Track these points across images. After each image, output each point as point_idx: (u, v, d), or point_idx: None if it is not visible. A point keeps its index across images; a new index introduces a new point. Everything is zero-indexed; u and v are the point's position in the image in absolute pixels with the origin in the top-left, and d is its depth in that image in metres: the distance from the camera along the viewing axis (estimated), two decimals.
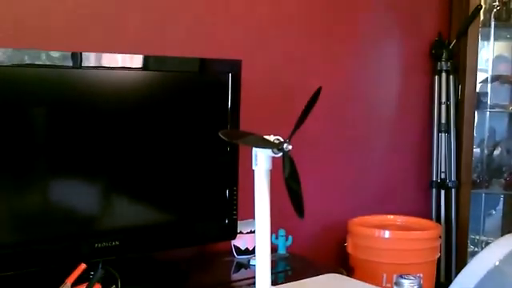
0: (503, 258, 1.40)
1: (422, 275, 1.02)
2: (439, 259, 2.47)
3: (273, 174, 1.09)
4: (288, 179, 1.00)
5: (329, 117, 2.39)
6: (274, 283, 1.11)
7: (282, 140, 1.03)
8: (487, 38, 2.81)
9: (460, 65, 2.71)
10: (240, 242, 1.99)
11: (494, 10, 2.77)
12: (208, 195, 1.84)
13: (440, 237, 2.36)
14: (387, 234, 2.24)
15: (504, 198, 2.98)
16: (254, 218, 1.07)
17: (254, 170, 1.07)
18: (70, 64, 1.54)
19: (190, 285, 1.76)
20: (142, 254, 1.79)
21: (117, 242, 1.64)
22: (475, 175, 2.84)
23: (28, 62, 1.48)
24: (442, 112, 2.73)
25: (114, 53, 1.62)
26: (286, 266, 2.00)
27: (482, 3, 2.68)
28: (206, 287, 1.78)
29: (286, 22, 2.27)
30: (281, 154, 1.02)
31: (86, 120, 1.60)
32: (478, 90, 2.76)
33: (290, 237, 2.08)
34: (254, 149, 1.07)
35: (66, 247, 1.58)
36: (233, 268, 1.97)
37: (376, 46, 2.59)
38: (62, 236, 1.59)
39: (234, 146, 1.80)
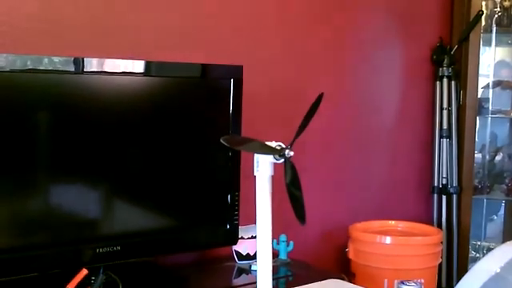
0: (504, 264, 1.40)
1: (423, 281, 1.03)
2: (440, 265, 2.46)
3: (274, 179, 1.09)
4: (289, 185, 1.01)
5: (330, 123, 2.39)
6: None
7: (283, 146, 1.03)
8: (489, 44, 2.82)
9: (461, 70, 2.71)
10: (241, 247, 1.99)
11: (496, 15, 2.78)
12: (209, 200, 1.84)
13: (441, 242, 2.35)
14: (388, 239, 2.23)
15: (505, 203, 2.98)
16: (255, 224, 1.07)
17: (255, 176, 1.08)
18: (72, 69, 1.54)
19: None
20: (144, 258, 1.79)
21: (118, 247, 1.64)
22: (477, 181, 2.83)
23: (30, 67, 1.48)
24: (443, 118, 2.73)
25: (114, 58, 1.62)
26: (287, 272, 2.00)
27: (484, 9, 2.68)
28: None
29: (287, 28, 2.27)
30: (282, 160, 1.03)
31: (87, 125, 1.59)
32: (479, 95, 2.76)
33: (292, 242, 2.08)
34: (256, 155, 1.07)
35: (67, 252, 1.58)
36: (234, 273, 1.97)
37: (377, 52, 2.59)
38: (64, 241, 1.58)
39: (236, 151, 1.80)
